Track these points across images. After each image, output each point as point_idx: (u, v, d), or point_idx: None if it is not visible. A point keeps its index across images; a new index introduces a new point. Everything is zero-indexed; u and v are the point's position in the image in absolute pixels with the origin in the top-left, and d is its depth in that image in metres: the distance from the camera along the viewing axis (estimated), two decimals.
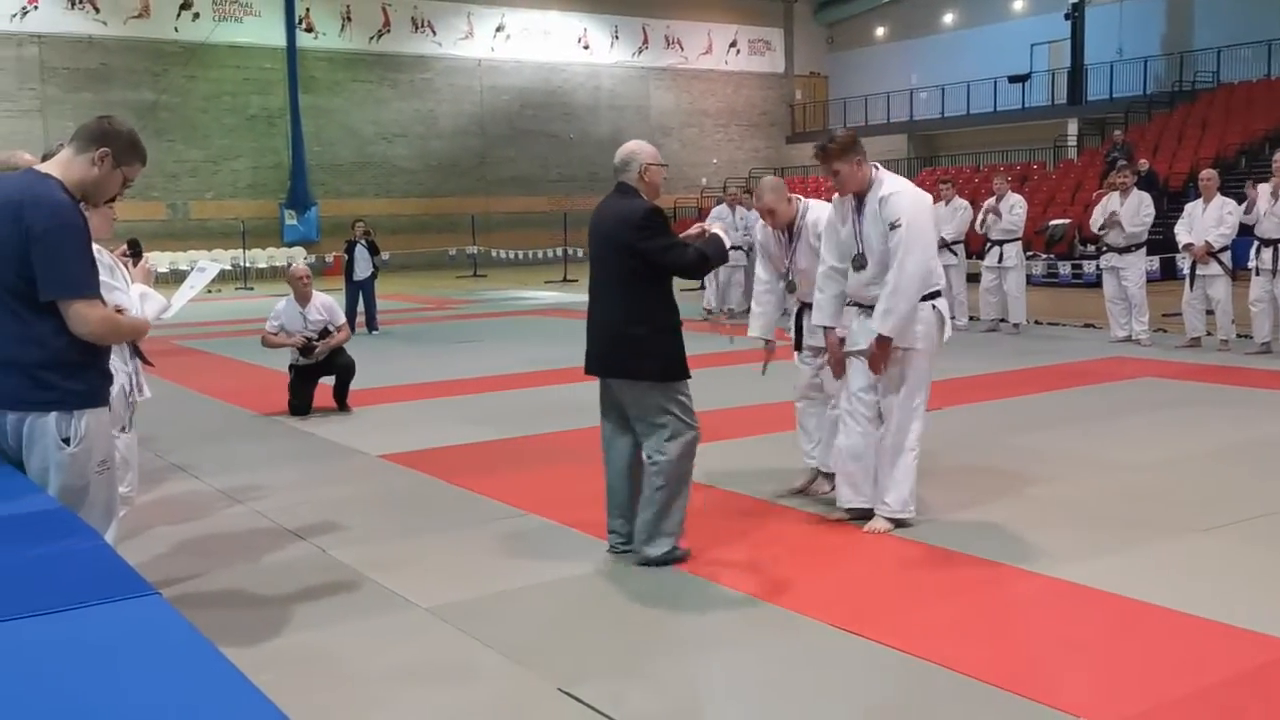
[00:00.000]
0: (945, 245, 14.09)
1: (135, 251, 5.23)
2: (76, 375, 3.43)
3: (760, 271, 6.22)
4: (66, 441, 3.41)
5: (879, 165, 5.47)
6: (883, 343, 5.24)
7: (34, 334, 3.35)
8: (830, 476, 5.88)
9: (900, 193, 5.30)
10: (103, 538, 2.85)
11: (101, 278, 3.66)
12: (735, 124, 38.83)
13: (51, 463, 3.41)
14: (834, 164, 5.34)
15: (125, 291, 4.33)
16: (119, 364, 4.65)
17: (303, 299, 9.07)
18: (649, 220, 4.90)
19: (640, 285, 4.93)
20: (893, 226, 5.20)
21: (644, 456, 5.07)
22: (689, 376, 5.02)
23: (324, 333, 9.02)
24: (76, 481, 3.44)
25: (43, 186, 3.38)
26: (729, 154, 38.32)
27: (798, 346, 6.10)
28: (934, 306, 5.40)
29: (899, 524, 5.40)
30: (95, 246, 3.92)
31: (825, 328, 5.61)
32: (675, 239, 4.99)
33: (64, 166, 3.47)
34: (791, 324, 6.13)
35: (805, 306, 5.95)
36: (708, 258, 5.00)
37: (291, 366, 9.09)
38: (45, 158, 3.98)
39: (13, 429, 3.44)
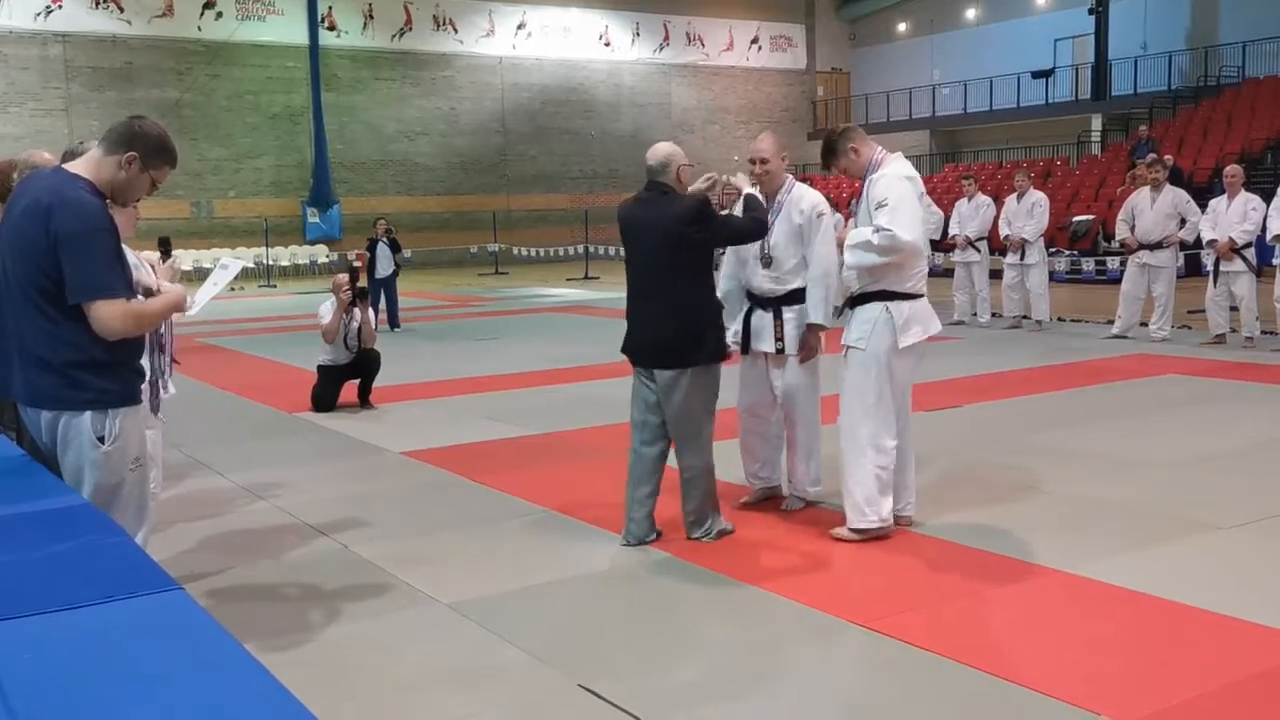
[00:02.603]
0: (969, 242, 14.08)
1: (165, 250, 5.28)
2: (110, 374, 3.45)
3: (729, 256, 5.88)
4: (101, 440, 3.44)
5: (885, 152, 5.33)
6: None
7: (65, 335, 3.37)
8: (799, 496, 5.82)
9: (886, 175, 5.19)
10: (127, 533, 2.87)
11: None
12: (757, 120, 38.73)
13: (86, 461, 3.44)
14: (839, 162, 5.36)
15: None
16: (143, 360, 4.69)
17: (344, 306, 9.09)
18: (702, 213, 5.15)
19: (698, 275, 5.23)
20: (879, 206, 5.10)
21: (678, 462, 5.30)
22: (726, 357, 5.34)
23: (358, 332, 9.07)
24: (111, 479, 3.47)
25: (71, 188, 3.39)
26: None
27: (744, 350, 5.72)
28: (886, 308, 5.16)
29: (864, 534, 5.18)
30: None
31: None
32: (724, 219, 5.33)
33: (93, 166, 3.48)
34: (740, 323, 5.73)
35: (755, 304, 5.69)
36: (759, 221, 5.32)
37: (319, 367, 9.13)
38: (66, 156, 4.00)
39: (48, 427, 3.47)
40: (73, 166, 3.51)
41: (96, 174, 3.46)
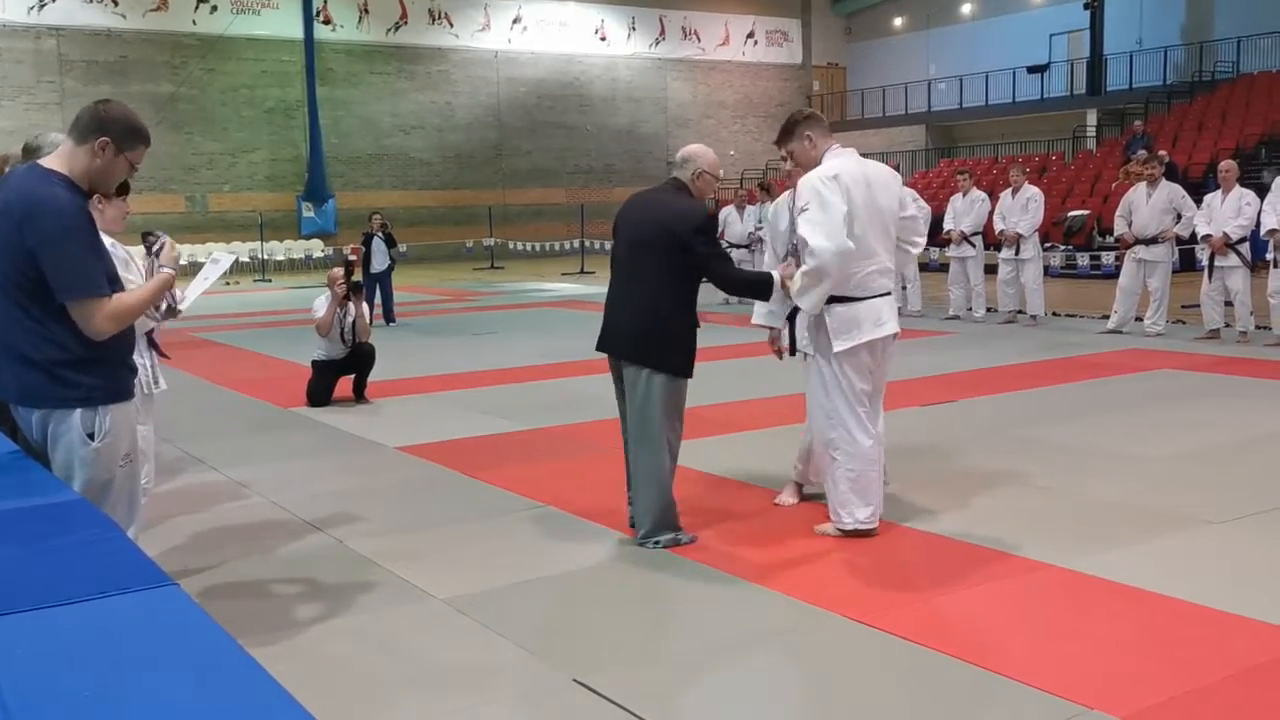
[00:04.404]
0: (964, 237, 14.10)
1: (150, 245, 5.25)
2: (98, 371, 3.43)
3: (769, 258, 5.96)
4: (91, 437, 3.42)
5: (837, 148, 5.20)
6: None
7: (51, 334, 3.35)
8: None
9: (809, 177, 5.04)
10: (121, 529, 2.87)
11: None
12: (752, 115, 38.74)
13: (76, 458, 3.42)
14: (786, 145, 5.25)
15: (140, 284, 4.34)
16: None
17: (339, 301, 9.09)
18: (708, 225, 5.13)
19: (682, 281, 5.12)
20: (801, 211, 5.00)
21: (632, 464, 5.23)
22: (691, 376, 5.21)
23: (352, 327, 9.08)
24: (101, 475, 3.46)
25: (45, 188, 3.34)
26: (746, 146, 38.24)
27: (792, 351, 5.67)
28: (822, 313, 5.06)
29: (848, 534, 5.17)
30: (109, 240, 3.93)
31: (766, 327, 5.64)
32: (723, 250, 5.25)
33: (67, 159, 3.43)
34: (784, 325, 5.68)
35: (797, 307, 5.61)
36: (749, 286, 5.34)
37: (314, 362, 9.13)
38: (25, 150, 3.97)
39: (38, 424, 3.45)
40: (47, 161, 3.45)
41: (71, 166, 3.41)
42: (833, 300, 5.06)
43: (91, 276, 3.35)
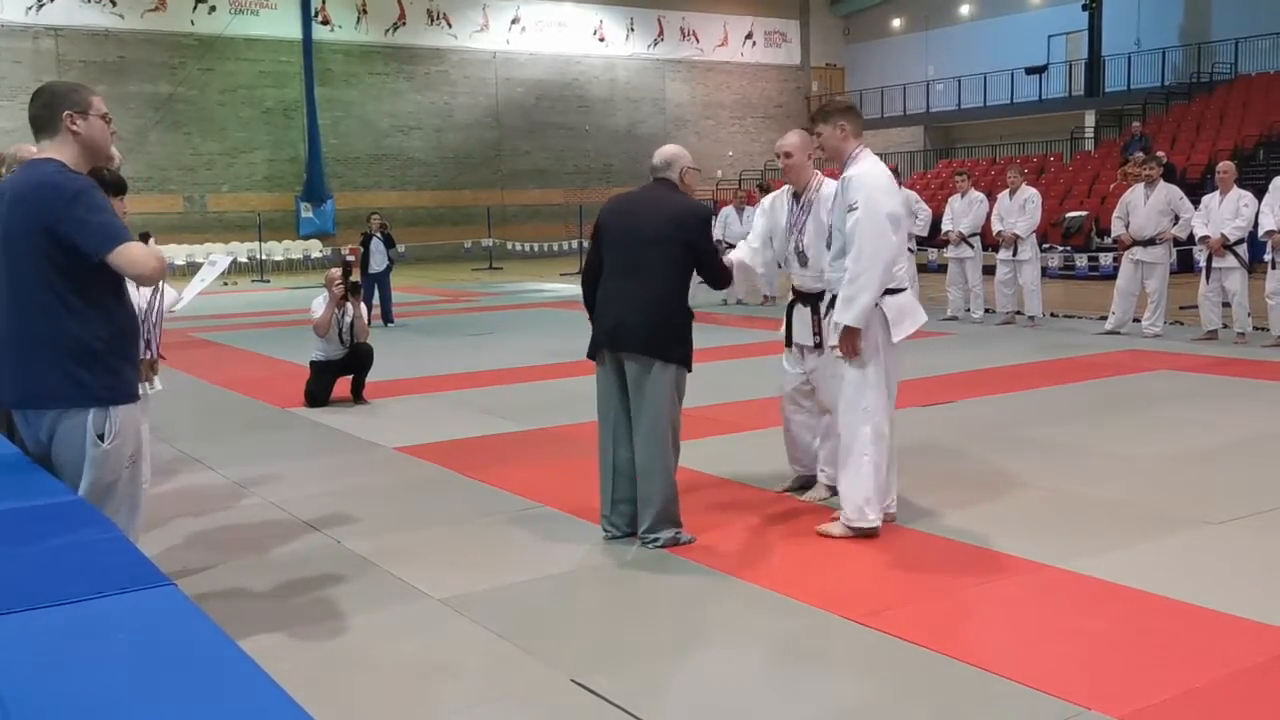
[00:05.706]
0: (963, 238, 14.12)
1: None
2: (110, 370, 3.43)
3: (743, 250, 5.95)
4: (101, 438, 3.42)
5: (866, 148, 5.29)
6: (847, 332, 5.08)
7: (65, 327, 3.36)
8: (831, 486, 5.80)
9: (862, 175, 5.12)
10: (118, 529, 2.87)
11: None
12: (750, 116, 38.76)
13: (86, 458, 3.42)
14: (819, 126, 5.30)
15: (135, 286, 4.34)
16: None
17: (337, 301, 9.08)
18: (708, 222, 5.37)
19: (685, 275, 5.23)
20: (850, 209, 5.07)
21: (637, 462, 5.18)
22: (690, 369, 5.29)
23: (350, 325, 9.07)
24: (108, 477, 3.46)
25: (40, 171, 3.41)
26: (744, 146, 38.26)
27: (788, 343, 5.82)
28: (877, 305, 5.08)
29: (860, 533, 5.15)
30: None
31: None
32: (717, 248, 5.46)
33: (55, 151, 3.48)
34: (783, 318, 5.88)
35: (797, 299, 5.75)
36: (728, 276, 5.52)
37: (312, 363, 9.13)
38: None
39: (48, 425, 3.45)
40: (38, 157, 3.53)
41: (60, 154, 3.46)
42: (886, 292, 5.12)
43: (117, 226, 3.39)
